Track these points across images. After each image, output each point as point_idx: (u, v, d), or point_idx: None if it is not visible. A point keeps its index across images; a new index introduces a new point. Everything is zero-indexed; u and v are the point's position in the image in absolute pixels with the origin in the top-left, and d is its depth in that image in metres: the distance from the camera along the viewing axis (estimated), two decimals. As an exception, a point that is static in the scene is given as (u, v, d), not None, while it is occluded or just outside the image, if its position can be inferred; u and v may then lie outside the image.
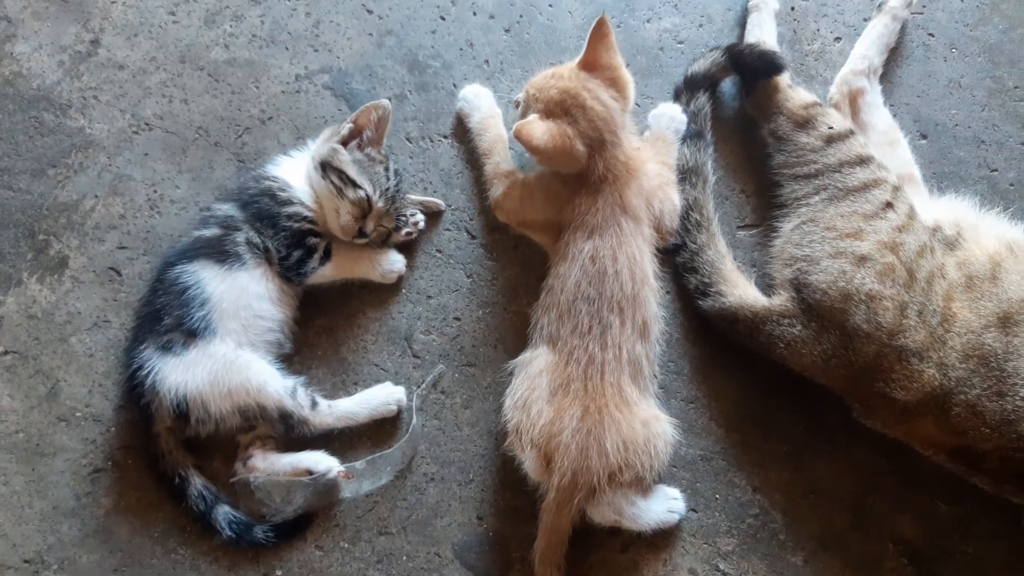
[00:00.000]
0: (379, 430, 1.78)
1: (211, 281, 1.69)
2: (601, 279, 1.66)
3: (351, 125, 1.81)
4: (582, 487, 1.58)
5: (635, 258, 1.69)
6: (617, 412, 1.61)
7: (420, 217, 1.90)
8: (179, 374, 1.63)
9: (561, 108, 1.67)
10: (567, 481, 1.57)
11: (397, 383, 1.81)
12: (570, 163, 1.69)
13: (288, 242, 1.74)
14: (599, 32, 1.69)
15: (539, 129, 1.63)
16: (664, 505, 1.70)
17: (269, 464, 1.69)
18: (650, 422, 1.64)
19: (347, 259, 1.82)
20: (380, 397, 1.77)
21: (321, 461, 1.70)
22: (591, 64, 1.71)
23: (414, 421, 1.77)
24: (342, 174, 1.76)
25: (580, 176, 1.71)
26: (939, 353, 1.57)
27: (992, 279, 1.61)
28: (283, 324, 1.78)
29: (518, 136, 1.61)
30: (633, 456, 1.59)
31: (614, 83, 1.72)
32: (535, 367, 1.66)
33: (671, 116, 1.90)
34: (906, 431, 1.65)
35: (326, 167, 1.77)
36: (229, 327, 1.69)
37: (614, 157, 1.70)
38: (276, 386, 1.66)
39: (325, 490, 1.71)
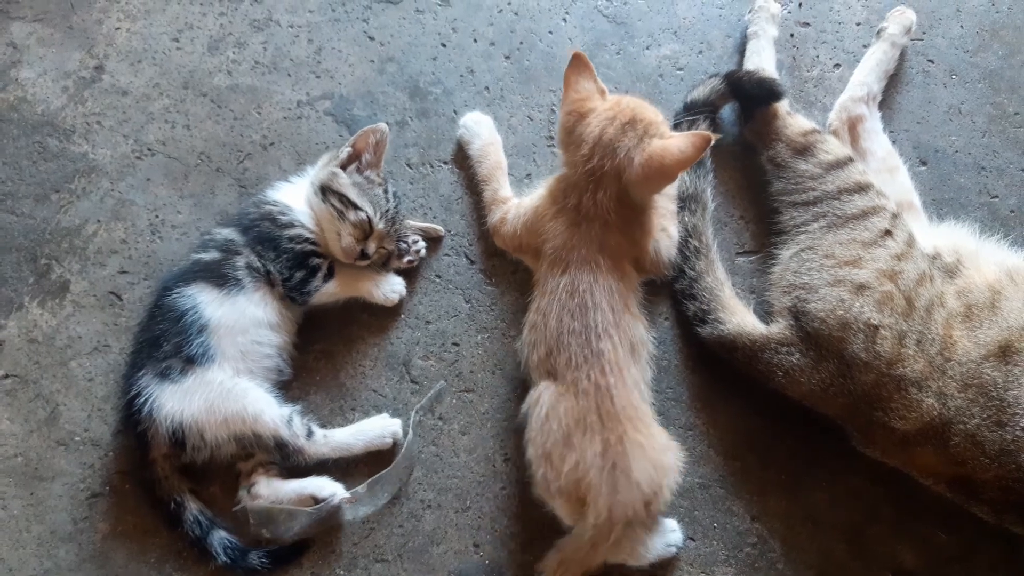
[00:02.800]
0: (376, 457, 1.76)
1: (209, 305, 1.69)
2: (583, 312, 1.61)
3: (350, 149, 1.82)
4: (619, 521, 1.54)
5: (612, 289, 1.64)
6: (637, 434, 1.57)
7: (422, 244, 1.91)
8: (176, 402, 1.63)
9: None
10: (604, 519, 1.54)
11: (395, 409, 1.81)
12: (573, 131, 1.65)
13: (291, 264, 1.74)
14: (695, 144, 1.56)
15: (588, 84, 1.67)
16: (663, 539, 1.69)
17: (273, 491, 1.69)
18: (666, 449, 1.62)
19: (350, 277, 1.82)
20: (376, 429, 1.76)
21: (325, 487, 1.69)
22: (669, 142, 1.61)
23: (410, 436, 1.77)
24: (342, 197, 1.77)
25: (568, 205, 1.67)
26: (938, 382, 1.56)
27: (992, 307, 1.60)
28: (282, 350, 1.77)
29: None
30: (662, 475, 1.57)
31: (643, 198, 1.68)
32: (542, 409, 1.60)
33: None
34: (905, 460, 1.64)
35: (326, 191, 1.78)
36: (228, 353, 1.68)
37: (594, 201, 1.63)
38: (272, 415, 1.66)
39: (327, 516, 1.71)
